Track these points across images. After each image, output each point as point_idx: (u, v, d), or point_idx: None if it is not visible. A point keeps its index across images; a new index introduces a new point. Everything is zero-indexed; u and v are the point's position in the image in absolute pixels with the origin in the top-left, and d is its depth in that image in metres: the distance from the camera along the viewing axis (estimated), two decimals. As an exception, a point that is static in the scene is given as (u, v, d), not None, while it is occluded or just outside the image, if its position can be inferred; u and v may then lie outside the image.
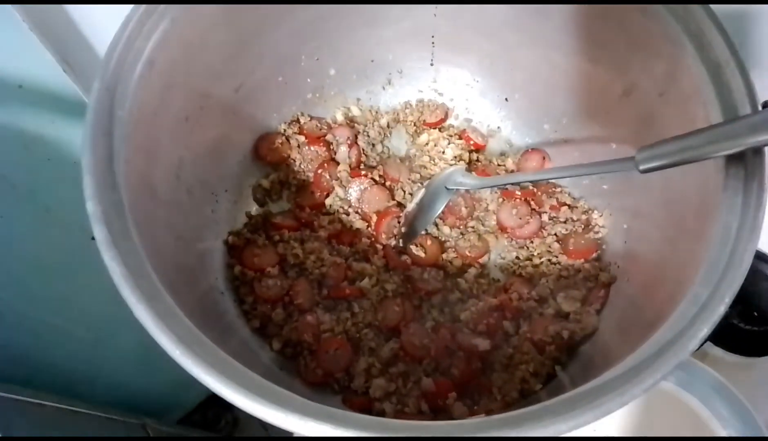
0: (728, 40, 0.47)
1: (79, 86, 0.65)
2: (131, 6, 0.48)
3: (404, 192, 0.70)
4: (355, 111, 0.73)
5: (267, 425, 1.26)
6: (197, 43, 0.53)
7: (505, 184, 0.69)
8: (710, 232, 0.42)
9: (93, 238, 0.79)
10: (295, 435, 0.35)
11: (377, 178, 0.70)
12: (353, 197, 0.69)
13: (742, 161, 0.43)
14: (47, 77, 0.63)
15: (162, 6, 0.48)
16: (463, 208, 0.69)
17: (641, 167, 0.46)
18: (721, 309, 0.39)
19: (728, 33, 0.47)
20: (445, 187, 0.67)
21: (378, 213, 0.68)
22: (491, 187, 0.68)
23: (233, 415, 1.28)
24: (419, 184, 0.70)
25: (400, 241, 0.67)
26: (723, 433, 0.59)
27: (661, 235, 0.53)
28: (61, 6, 0.61)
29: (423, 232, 0.68)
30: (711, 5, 0.48)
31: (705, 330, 0.38)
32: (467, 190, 0.69)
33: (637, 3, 0.51)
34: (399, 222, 0.68)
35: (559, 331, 0.57)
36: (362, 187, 0.69)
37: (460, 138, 0.73)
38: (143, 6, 0.47)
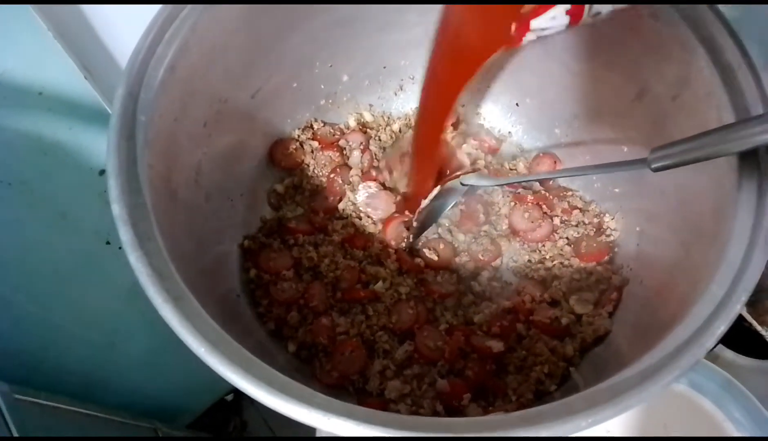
0: (739, 43, 0.47)
1: (99, 93, 0.66)
2: (151, 14, 0.49)
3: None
4: (367, 116, 0.74)
5: (274, 428, 1.27)
6: (217, 50, 0.54)
7: (519, 182, 0.69)
8: (725, 232, 0.43)
9: (108, 243, 0.81)
10: (304, 435, 0.36)
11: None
12: (361, 201, 0.69)
13: (755, 160, 0.44)
14: (68, 84, 0.64)
15: (183, 13, 0.49)
16: (482, 215, 0.69)
17: (653, 166, 0.46)
18: (737, 308, 0.39)
19: (739, 37, 0.47)
20: (460, 183, 0.67)
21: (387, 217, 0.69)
22: (504, 185, 0.69)
23: (241, 418, 1.29)
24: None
25: (410, 237, 0.67)
26: (736, 435, 0.59)
27: (674, 236, 0.53)
28: (82, 14, 0.63)
29: (435, 235, 0.68)
30: (720, 5, 0.48)
31: (722, 328, 0.39)
32: (480, 193, 0.69)
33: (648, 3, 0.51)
34: (407, 227, 0.68)
35: (558, 316, 0.59)
36: (371, 191, 0.69)
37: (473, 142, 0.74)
38: (165, 13, 0.48)
